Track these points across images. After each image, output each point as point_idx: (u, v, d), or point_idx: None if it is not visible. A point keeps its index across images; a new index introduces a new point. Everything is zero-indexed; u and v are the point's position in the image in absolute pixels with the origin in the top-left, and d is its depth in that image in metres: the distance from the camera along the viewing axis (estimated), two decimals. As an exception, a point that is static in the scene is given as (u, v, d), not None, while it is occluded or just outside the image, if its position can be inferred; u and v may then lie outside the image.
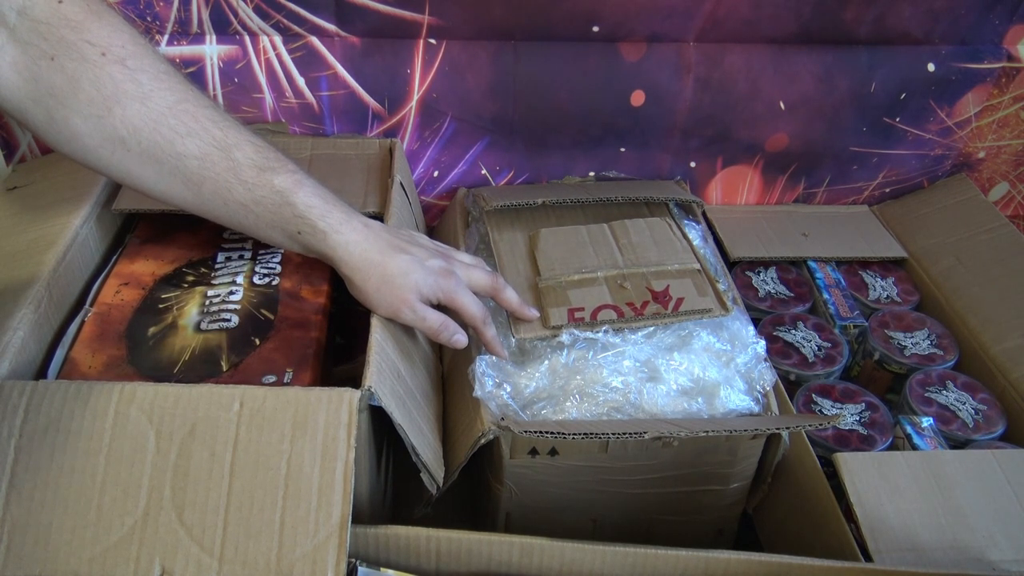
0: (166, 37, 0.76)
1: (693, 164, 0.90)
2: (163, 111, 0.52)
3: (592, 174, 0.90)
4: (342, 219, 0.57)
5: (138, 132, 0.52)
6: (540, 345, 0.66)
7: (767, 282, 0.86)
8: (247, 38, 0.77)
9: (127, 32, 0.52)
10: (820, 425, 0.64)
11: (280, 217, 0.56)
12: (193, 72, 0.77)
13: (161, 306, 0.61)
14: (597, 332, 0.65)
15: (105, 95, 0.50)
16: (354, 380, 0.52)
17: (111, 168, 0.53)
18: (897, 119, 0.89)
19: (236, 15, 0.75)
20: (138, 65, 0.51)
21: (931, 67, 0.86)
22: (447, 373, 0.70)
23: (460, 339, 0.63)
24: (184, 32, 0.76)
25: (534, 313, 0.67)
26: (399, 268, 0.58)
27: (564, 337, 0.65)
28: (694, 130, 0.87)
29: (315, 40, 0.78)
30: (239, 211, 0.56)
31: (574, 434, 0.55)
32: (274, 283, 0.63)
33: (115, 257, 0.66)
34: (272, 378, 0.55)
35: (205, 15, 0.75)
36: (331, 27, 0.77)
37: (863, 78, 0.85)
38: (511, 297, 0.66)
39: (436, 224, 0.91)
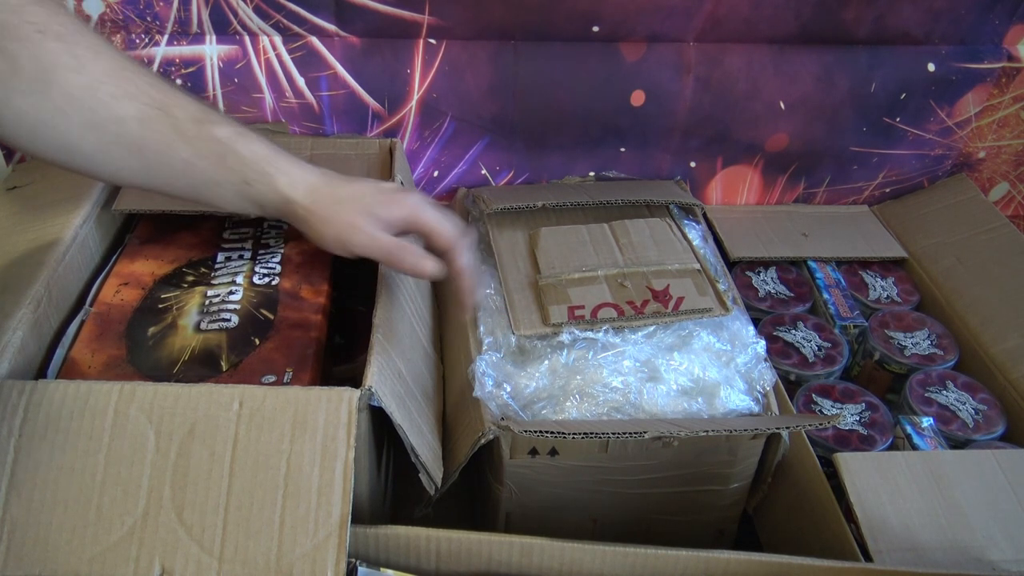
0: (166, 37, 0.76)
1: (693, 164, 0.90)
2: (100, 77, 0.51)
3: (592, 174, 0.90)
4: (291, 162, 0.55)
5: (77, 101, 0.50)
6: (540, 345, 0.66)
7: (767, 282, 0.86)
8: (247, 38, 0.77)
9: (65, 14, 0.52)
10: (820, 425, 0.64)
11: (226, 168, 0.54)
12: (193, 72, 0.77)
13: (161, 306, 0.61)
14: (597, 332, 0.65)
15: (44, 67, 0.49)
16: (354, 380, 0.52)
17: (52, 146, 0.52)
18: (897, 119, 0.89)
19: (236, 15, 0.75)
20: (76, 40, 0.51)
21: (931, 67, 0.86)
22: (447, 373, 0.70)
23: (427, 265, 0.56)
24: (184, 32, 0.76)
25: (473, 304, 0.62)
26: (351, 192, 0.55)
27: (564, 337, 0.65)
28: (694, 130, 0.87)
29: (315, 40, 0.78)
30: (185, 171, 0.53)
31: (574, 434, 0.55)
32: (274, 283, 0.63)
33: (115, 257, 0.66)
34: (272, 378, 0.55)
35: (205, 15, 0.75)
36: (331, 27, 0.77)
37: (863, 78, 0.85)
38: (467, 264, 0.57)
39: (436, 224, 0.91)
